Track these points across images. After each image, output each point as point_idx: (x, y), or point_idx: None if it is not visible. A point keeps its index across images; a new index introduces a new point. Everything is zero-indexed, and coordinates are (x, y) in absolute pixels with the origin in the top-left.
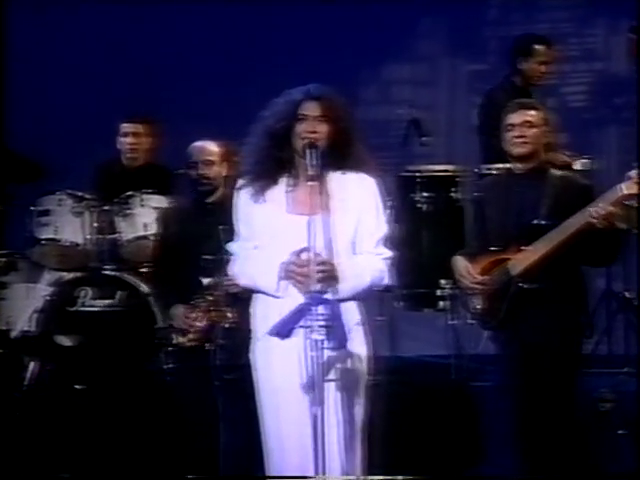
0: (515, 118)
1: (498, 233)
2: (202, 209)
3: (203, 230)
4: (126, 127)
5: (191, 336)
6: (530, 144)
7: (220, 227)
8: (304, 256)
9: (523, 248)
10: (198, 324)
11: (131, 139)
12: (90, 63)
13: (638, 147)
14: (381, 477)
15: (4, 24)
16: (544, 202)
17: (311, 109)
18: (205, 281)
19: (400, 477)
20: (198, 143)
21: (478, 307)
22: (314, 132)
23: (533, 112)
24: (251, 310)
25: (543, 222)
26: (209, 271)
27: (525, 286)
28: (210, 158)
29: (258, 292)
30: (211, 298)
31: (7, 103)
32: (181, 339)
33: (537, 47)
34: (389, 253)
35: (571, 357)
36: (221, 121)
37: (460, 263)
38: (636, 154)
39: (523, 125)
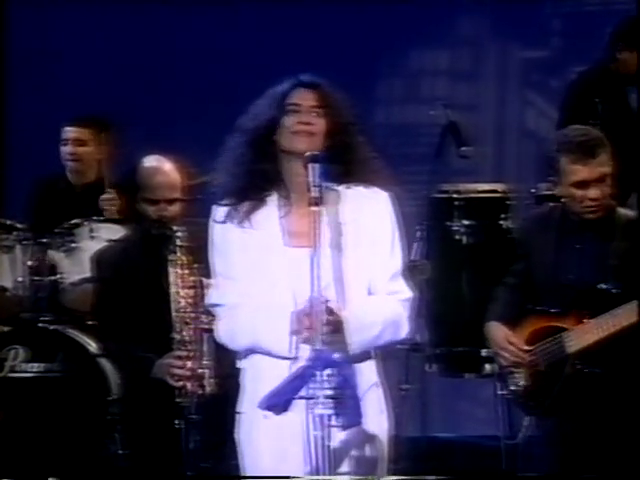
0: (585, 173)
1: (550, 292)
2: (160, 242)
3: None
4: (68, 132)
5: (189, 387)
6: (607, 201)
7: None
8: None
9: (585, 321)
10: (188, 373)
11: (71, 148)
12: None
13: (638, 154)
14: (380, 476)
15: None
16: (613, 258)
17: (303, 97)
18: (177, 336)
19: (400, 477)
20: (156, 166)
21: (521, 385)
22: (308, 124)
23: (604, 155)
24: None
25: (612, 289)
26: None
27: (585, 369)
28: (176, 196)
29: (260, 353)
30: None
31: None
32: (180, 397)
33: None
34: (408, 292)
35: (636, 455)
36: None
37: (498, 332)
38: None
39: (598, 180)
